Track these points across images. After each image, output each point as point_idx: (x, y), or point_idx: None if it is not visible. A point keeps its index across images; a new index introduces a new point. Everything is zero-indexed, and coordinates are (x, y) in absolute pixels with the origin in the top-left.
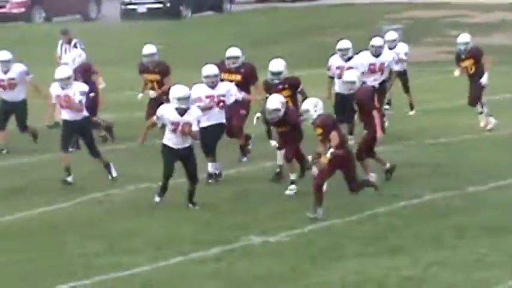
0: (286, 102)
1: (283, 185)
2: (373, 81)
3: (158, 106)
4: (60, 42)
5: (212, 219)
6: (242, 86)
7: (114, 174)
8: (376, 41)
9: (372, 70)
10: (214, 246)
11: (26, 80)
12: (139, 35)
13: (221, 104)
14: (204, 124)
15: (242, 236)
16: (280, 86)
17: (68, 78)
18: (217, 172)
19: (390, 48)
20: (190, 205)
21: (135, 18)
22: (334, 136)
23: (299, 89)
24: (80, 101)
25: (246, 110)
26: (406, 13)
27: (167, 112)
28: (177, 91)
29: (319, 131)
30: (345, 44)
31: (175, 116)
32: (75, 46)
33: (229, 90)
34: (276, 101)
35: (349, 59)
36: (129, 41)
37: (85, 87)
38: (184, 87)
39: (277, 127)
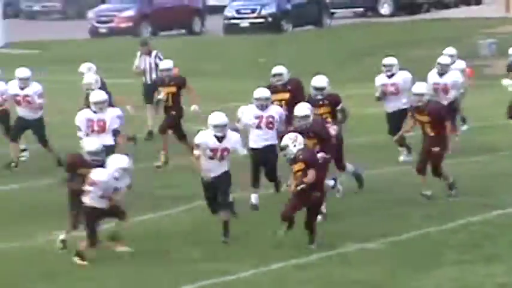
0: (325, 118)
1: (378, 194)
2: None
3: (173, 120)
4: (138, 53)
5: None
6: (290, 103)
7: None
8: (443, 60)
9: (435, 90)
10: (314, 253)
11: (36, 102)
12: (241, 48)
13: (270, 125)
14: (254, 145)
15: (340, 243)
16: (321, 102)
17: (103, 102)
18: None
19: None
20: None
21: (238, 32)
22: (311, 174)
23: (339, 107)
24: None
25: None
26: (501, 28)
27: (206, 138)
28: (214, 118)
29: (300, 166)
30: (389, 60)
31: (214, 142)
32: (156, 57)
33: (280, 114)
34: (304, 108)
35: (392, 75)
36: (232, 54)
37: (119, 112)
38: (221, 115)
39: (307, 139)
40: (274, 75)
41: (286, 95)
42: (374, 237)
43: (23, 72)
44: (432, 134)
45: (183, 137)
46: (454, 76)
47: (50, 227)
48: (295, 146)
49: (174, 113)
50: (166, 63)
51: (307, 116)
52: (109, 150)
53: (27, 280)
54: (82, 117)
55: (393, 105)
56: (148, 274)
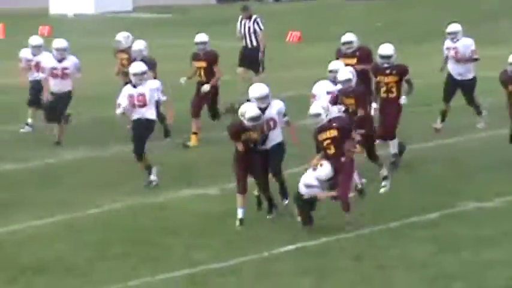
0: (391, 87)
1: (494, 155)
2: None
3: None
4: (239, 18)
5: (430, 185)
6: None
7: None
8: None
9: None
10: (432, 212)
11: (76, 76)
12: (361, 13)
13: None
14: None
15: (458, 201)
16: (388, 71)
17: (142, 73)
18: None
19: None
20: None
21: None
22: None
23: (406, 77)
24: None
25: None
26: None
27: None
28: (254, 90)
29: (331, 133)
30: (454, 27)
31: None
32: (255, 22)
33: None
34: (347, 72)
35: (457, 41)
36: (352, 19)
37: (157, 84)
38: (262, 86)
39: (346, 98)
40: (344, 43)
41: (354, 60)
42: (494, 196)
43: (59, 42)
44: None
45: (216, 114)
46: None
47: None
48: (327, 115)
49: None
50: (201, 37)
51: (349, 80)
52: (150, 124)
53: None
54: (124, 93)
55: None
56: (271, 230)
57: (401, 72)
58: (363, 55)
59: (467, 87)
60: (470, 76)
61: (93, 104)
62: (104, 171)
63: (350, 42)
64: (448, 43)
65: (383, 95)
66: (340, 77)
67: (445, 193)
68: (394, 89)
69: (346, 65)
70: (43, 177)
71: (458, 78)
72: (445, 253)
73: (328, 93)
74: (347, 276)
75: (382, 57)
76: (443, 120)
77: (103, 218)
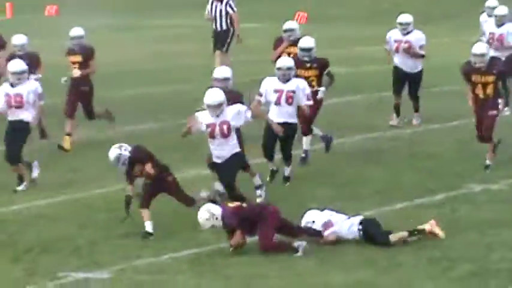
0: (312, 81)
1: (500, 137)
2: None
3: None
4: (210, 0)
5: (435, 167)
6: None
7: None
8: (500, 10)
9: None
10: (438, 193)
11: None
12: None
13: (290, 100)
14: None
15: (464, 183)
16: (308, 65)
17: (22, 72)
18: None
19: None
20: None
21: None
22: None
23: (326, 71)
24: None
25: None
26: None
27: (268, 84)
28: (206, 97)
29: None
30: (405, 18)
31: (277, 85)
32: (227, 4)
33: (303, 90)
34: (309, 40)
35: (408, 33)
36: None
37: (36, 85)
38: (216, 93)
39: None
40: (286, 30)
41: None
42: (499, 178)
43: (75, 30)
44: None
45: (91, 114)
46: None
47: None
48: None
49: None
50: (76, 31)
51: (310, 49)
52: (25, 127)
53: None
54: (1, 92)
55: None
56: None
57: (321, 66)
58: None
59: (416, 79)
60: (419, 68)
61: (104, 82)
62: (107, 152)
63: (292, 30)
64: (396, 34)
65: None
66: (301, 44)
67: (451, 175)
68: (314, 83)
69: (288, 54)
70: (46, 157)
71: (408, 70)
72: (451, 235)
73: (275, 91)
74: (352, 258)
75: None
76: (398, 114)
77: (107, 198)
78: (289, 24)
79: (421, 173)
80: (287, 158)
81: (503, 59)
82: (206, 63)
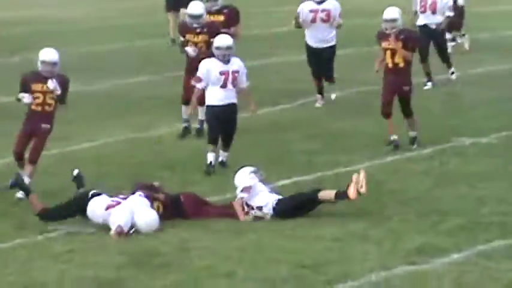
0: (201, 47)
1: (491, 90)
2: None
3: None
4: None
5: (425, 121)
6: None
7: None
8: None
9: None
10: (428, 147)
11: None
12: None
13: (235, 82)
14: (213, 103)
15: (454, 137)
16: (199, 30)
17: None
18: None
19: None
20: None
21: None
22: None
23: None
24: None
25: None
26: None
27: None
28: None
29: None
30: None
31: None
32: None
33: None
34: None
35: (322, 1)
36: None
37: None
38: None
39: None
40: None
41: (220, 18)
42: (487, 132)
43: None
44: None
45: None
46: None
47: (170, 119)
48: None
49: None
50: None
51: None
52: None
53: (151, 169)
54: None
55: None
56: (266, 162)
57: (211, 31)
58: (231, 14)
59: (328, 55)
60: (332, 43)
61: (84, 39)
62: (98, 106)
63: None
64: (309, 4)
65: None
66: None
67: (441, 128)
68: (203, 49)
69: (213, 22)
70: None
71: (319, 46)
72: (440, 188)
73: (221, 73)
74: (341, 209)
75: (192, 16)
76: (322, 96)
77: (98, 152)
78: None
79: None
80: (229, 144)
81: (434, 26)
82: None
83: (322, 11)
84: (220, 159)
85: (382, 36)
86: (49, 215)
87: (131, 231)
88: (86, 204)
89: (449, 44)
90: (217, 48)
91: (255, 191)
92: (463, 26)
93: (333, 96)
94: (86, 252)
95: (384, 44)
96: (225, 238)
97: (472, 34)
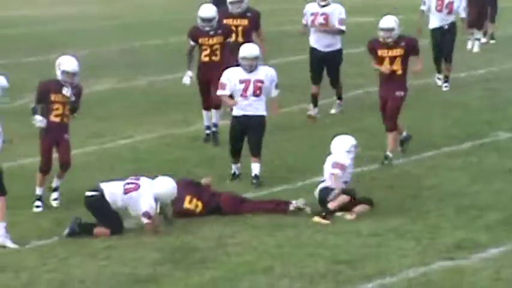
0: (216, 50)
1: None
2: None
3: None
4: None
5: (463, 116)
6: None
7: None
8: None
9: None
10: (465, 142)
11: None
12: None
13: (258, 92)
14: (233, 113)
15: (491, 132)
16: (212, 32)
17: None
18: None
19: None
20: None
21: None
22: None
23: (228, 39)
24: None
25: None
26: None
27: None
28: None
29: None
30: None
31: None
32: None
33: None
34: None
35: (325, 5)
36: None
37: None
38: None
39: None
40: (232, 2)
41: (245, 22)
42: None
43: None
44: None
45: None
46: None
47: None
48: None
49: None
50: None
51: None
52: None
53: (188, 165)
54: None
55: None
56: (301, 159)
57: (226, 32)
58: (255, 18)
59: (334, 60)
60: (337, 47)
61: (119, 35)
62: (134, 103)
63: (240, 1)
64: (313, 7)
65: None
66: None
67: (478, 123)
68: (218, 51)
69: (236, 26)
70: None
71: (325, 50)
72: (478, 183)
73: (240, 81)
74: (380, 206)
75: (203, 19)
76: (315, 105)
77: (135, 149)
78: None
79: (449, 121)
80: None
81: (447, 27)
82: None
83: (322, 14)
84: (252, 173)
85: (378, 44)
86: (113, 231)
87: (158, 209)
88: (104, 199)
89: (475, 43)
90: (243, 58)
91: (347, 171)
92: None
93: (333, 110)
94: (123, 249)
95: (381, 52)
96: (262, 233)
97: (507, 29)
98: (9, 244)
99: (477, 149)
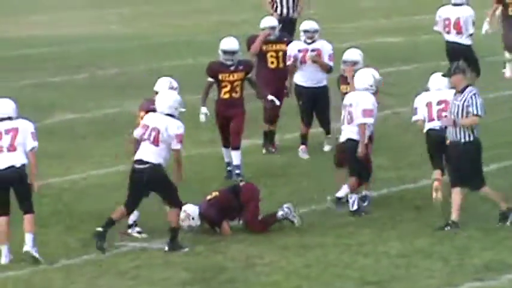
0: (237, 86)
1: None
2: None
3: None
4: None
5: (489, 137)
6: None
7: None
8: None
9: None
10: (491, 164)
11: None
12: None
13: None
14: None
15: None
16: (233, 68)
17: None
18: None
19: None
20: None
21: None
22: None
23: (249, 75)
24: None
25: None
26: None
27: None
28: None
29: None
30: (310, 24)
31: None
32: None
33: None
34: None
35: (313, 42)
36: None
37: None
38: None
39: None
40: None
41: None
42: None
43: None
44: None
45: None
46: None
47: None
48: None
49: None
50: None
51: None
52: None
53: (217, 184)
54: None
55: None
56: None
57: (247, 67)
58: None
59: (325, 96)
60: (325, 83)
61: (148, 55)
62: None
63: (274, 28)
64: (299, 45)
65: None
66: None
67: (505, 145)
68: (238, 88)
69: (276, 51)
70: (102, 128)
71: (316, 85)
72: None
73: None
74: (408, 227)
75: (227, 52)
76: (305, 145)
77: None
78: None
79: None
80: None
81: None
82: None
83: (313, 50)
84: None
85: (344, 80)
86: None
87: None
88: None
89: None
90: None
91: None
92: None
93: (326, 148)
94: (152, 269)
95: (343, 88)
96: (290, 254)
97: None
98: (36, 254)
99: (503, 171)
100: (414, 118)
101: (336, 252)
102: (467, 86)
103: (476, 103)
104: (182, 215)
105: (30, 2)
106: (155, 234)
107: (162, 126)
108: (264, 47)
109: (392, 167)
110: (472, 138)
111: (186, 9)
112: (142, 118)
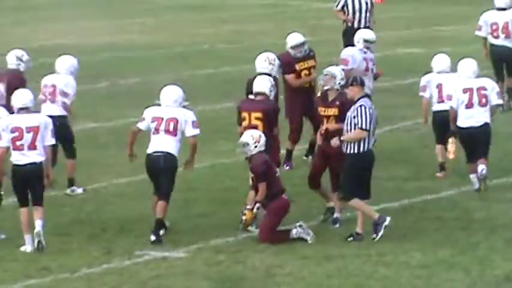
0: (310, 74)
1: None
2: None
3: None
4: None
5: (508, 148)
6: None
7: None
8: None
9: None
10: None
11: None
12: None
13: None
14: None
15: None
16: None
17: None
18: None
19: None
20: None
21: None
22: (262, 188)
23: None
24: None
25: None
26: None
27: None
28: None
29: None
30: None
31: None
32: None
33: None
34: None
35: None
36: None
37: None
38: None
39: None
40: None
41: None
42: None
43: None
44: None
45: None
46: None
47: None
48: (256, 146)
49: None
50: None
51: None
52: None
53: (237, 194)
54: None
55: None
56: None
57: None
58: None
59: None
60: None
61: (168, 64)
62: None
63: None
64: (360, 52)
65: None
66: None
67: None
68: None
69: (309, 68)
70: (123, 137)
71: None
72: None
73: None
74: (429, 237)
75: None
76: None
77: (184, 178)
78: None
79: (500, 153)
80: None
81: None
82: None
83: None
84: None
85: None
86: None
87: None
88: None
89: None
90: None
91: None
92: None
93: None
94: (172, 278)
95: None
96: (312, 264)
97: None
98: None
99: None
100: (422, 94)
101: (357, 262)
102: (360, 98)
103: (362, 115)
104: (247, 138)
105: (51, 11)
106: (176, 244)
107: (179, 115)
108: (297, 66)
109: (413, 178)
110: (356, 151)
111: (207, 17)
112: None
